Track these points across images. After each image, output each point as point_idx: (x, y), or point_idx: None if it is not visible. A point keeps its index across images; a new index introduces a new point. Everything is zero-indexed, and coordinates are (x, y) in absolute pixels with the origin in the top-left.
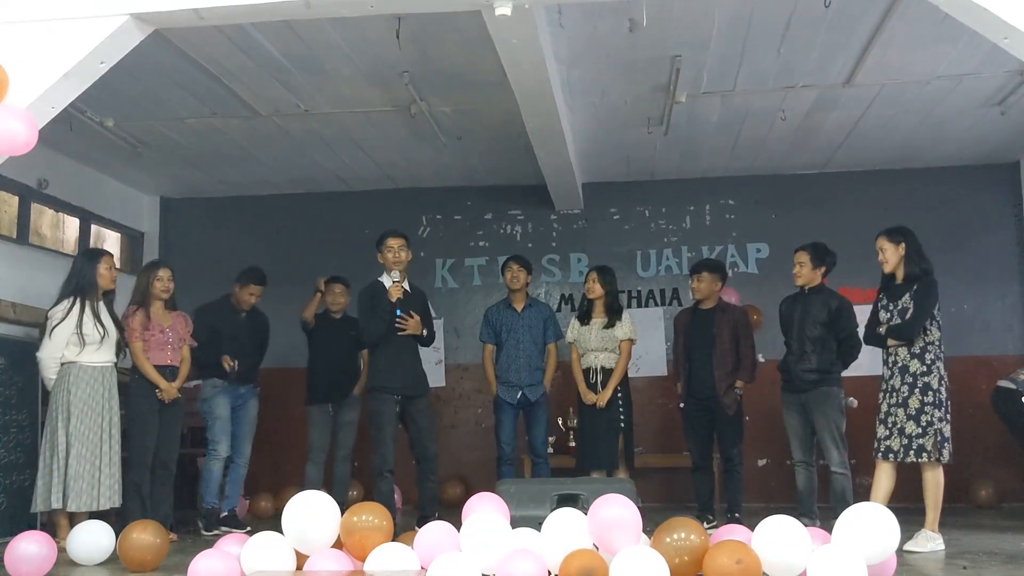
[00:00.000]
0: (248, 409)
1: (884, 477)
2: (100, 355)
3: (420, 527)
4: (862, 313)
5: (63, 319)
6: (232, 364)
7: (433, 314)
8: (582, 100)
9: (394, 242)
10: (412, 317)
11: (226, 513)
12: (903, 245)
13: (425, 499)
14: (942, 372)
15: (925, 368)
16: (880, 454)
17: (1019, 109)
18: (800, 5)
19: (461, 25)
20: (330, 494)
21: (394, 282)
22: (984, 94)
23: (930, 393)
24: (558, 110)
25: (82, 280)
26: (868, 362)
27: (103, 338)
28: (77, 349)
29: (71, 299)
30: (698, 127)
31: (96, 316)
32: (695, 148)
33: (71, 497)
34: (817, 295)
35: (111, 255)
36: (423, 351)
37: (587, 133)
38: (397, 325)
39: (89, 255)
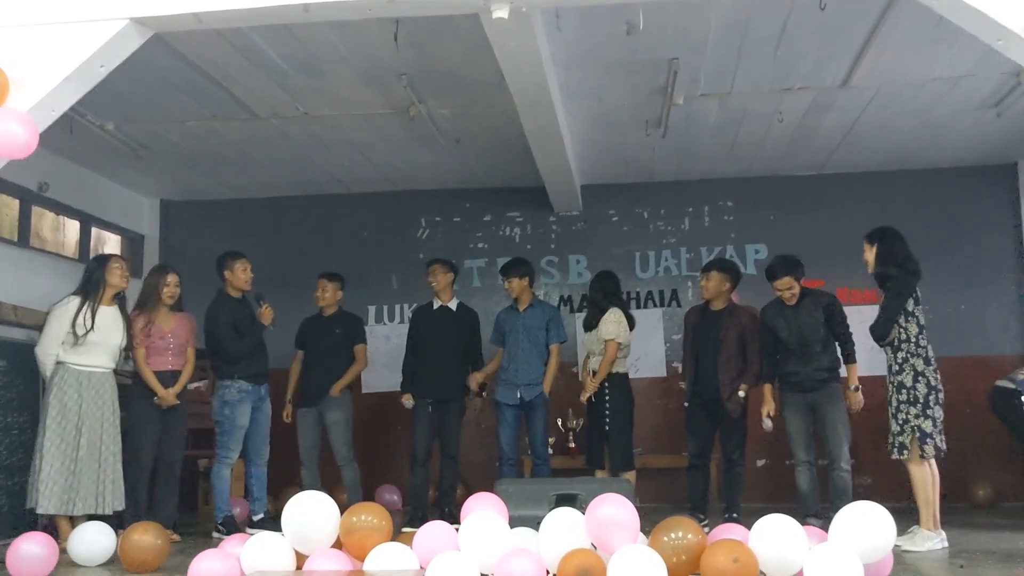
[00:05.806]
0: (265, 410)
1: (920, 473)
2: (91, 358)
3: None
4: (857, 314)
5: (61, 312)
6: (271, 315)
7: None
8: (580, 103)
9: (436, 268)
10: None
11: (261, 516)
12: (876, 246)
13: (441, 492)
14: (918, 369)
15: (898, 367)
16: (895, 450)
17: (1015, 111)
18: (796, 8)
19: (459, 28)
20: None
21: (477, 394)
22: (980, 96)
23: (904, 391)
24: (556, 113)
25: (91, 280)
26: (866, 362)
27: (87, 335)
28: (69, 348)
29: (76, 295)
30: (696, 129)
31: (93, 315)
32: (693, 150)
33: (39, 501)
34: (803, 299)
35: (123, 258)
36: None
37: (585, 135)
38: None
39: (100, 259)
